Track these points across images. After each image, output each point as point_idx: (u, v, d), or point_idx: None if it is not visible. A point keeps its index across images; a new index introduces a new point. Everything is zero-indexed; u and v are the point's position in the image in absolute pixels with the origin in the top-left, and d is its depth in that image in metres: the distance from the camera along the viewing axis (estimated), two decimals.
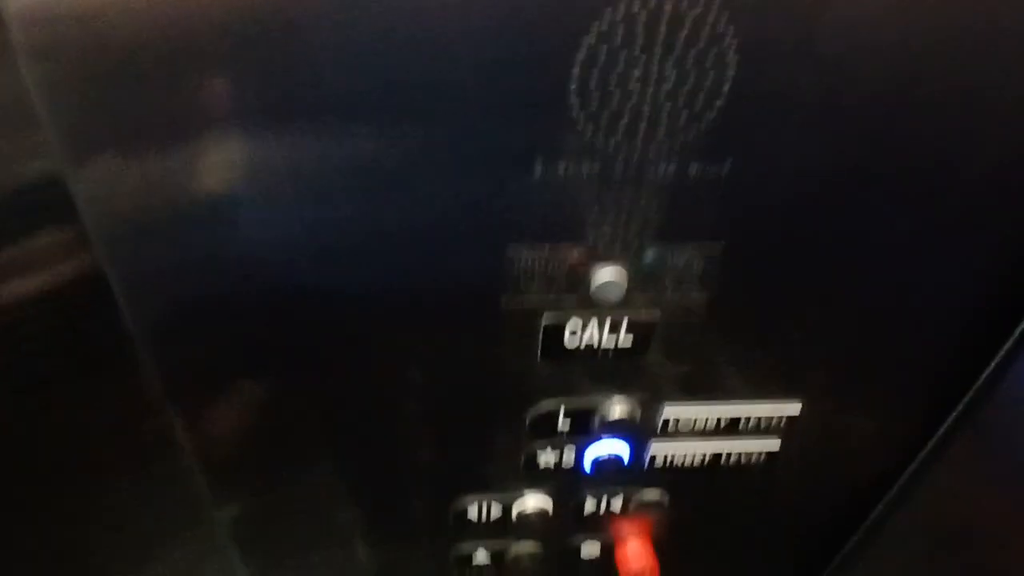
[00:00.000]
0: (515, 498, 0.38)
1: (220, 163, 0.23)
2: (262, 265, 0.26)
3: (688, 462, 0.37)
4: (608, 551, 0.43)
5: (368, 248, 0.26)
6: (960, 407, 0.34)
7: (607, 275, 0.28)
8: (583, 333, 0.30)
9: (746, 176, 0.25)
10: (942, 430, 0.36)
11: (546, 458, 0.36)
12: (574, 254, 0.27)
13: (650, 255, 0.28)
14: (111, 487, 0.34)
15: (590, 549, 0.43)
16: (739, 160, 0.25)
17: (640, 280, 0.29)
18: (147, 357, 0.29)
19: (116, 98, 0.21)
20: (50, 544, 0.35)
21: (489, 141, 0.24)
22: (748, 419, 0.35)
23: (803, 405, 0.35)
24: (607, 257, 0.27)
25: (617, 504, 0.39)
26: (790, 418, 0.35)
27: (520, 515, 0.38)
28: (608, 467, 0.36)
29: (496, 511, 0.39)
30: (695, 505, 0.40)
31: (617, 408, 0.33)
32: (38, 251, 0.25)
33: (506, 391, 0.33)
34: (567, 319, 0.29)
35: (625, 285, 0.28)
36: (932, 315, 0.32)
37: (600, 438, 0.35)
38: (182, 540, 0.38)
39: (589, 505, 0.39)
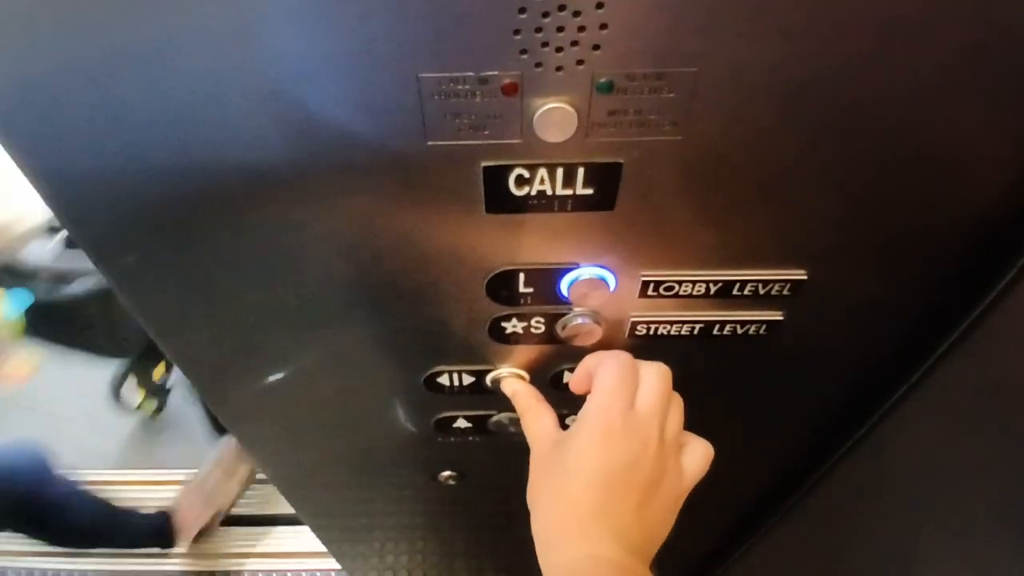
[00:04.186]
0: (488, 370, 0.36)
1: None
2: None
3: (675, 332, 0.33)
4: None
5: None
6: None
7: (548, 103, 0.23)
8: (533, 179, 0.26)
9: None
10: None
11: (512, 327, 0.33)
12: (503, 79, 0.22)
13: (606, 79, 0.22)
14: None
15: None
16: None
17: (596, 113, 0.23)
18: None
19: None
20: None
21: None
22: (744, 284, 0.31)
23: (809, 273, 0.30)
24: (546, 83, 0.22)
25: None
26: (794, 285, 0.30)
27: (494, 384, 0.36)
28: (582, 338, 0.33)
29: (468, 380, 0.37)
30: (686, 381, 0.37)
31: (585, 270, 0.29)
32: None
33: (457, 253, 0.29)
34: (510, 162, 0.25)
35: (574, 118, 0.23)
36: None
37: (570, 307, 0.32)
38: None
39: (568, 377, 0.36)
